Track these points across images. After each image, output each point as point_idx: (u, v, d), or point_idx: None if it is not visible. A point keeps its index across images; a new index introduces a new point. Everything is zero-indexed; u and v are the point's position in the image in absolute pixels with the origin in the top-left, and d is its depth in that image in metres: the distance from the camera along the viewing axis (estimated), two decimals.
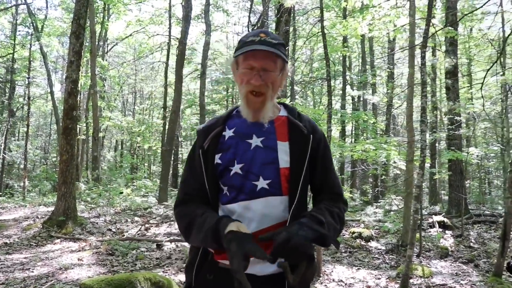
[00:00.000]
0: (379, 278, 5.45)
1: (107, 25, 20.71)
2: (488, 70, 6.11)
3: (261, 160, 1.60)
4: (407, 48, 7.84)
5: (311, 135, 1.66)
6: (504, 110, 18.31)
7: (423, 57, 4.60)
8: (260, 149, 1.62)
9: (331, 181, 1.73)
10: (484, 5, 6.24)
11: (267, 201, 1.57)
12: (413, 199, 4.76)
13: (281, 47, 1.59)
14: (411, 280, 4.72)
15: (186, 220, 1.62)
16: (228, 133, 1.68)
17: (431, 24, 4.89)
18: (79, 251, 6.67)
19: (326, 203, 1.65)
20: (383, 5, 7.77)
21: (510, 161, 4.58)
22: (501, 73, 14.10)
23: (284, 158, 1.61)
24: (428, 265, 6.30)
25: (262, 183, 1.58)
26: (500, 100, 19.94)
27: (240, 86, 1.64)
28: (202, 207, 1.63)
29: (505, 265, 5.12)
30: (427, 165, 11.30)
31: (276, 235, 1.37)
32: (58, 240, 7.38)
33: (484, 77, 7.22)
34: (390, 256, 6.90)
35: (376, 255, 6.96)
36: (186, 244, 7.25)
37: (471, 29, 18.21)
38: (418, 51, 7.81)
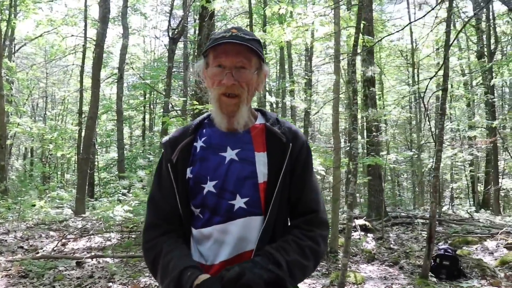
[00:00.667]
0: None
1: (14, 23, 19.25)
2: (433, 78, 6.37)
3: (237, 175, 1.41)
4: (349, 55, 8.00)
5: (291, 144, 1.47)
6: (418, 117, 19.49)
7: (353, 65, 4.67)
8: (235, 163, 1.43)
9: (308, 196, 1.49)
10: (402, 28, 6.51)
11: (246, 222, 1.39)
12: (346, 206, 4.79)
13: (256, 43, 1.44)
14: None
15: (151, 256, 1.43)
16: (199, 143, 1.49)
17: (360, 33, 4.98)
18: None
19: (297, 232, 1.44)
20: (307, 13, 7.86)
21: (433, 167, 4.75)
22: (413, 83, 15.02)
23: (263, 171, 1.42)
24: (358, 270, 6.42)
25: (239, 202, 1.40)
26: (409, 107, 21.27)
27: (211, 90, 1.46)
28: (170, 240, 1.43)
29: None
30: (343, 170, 11.64)
31: (226, 271, 1.24)
32: None
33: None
34: (320, 263, 6.95)
35: None
36: (108, 259, 6.80)
37: (379, 41, 19.27)
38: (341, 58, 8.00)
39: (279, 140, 1.47)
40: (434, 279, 5.80)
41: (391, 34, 5.75)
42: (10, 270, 6.15)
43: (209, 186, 1.42)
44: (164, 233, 1.45)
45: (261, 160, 1.44)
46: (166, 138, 1.57)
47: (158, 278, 1.40)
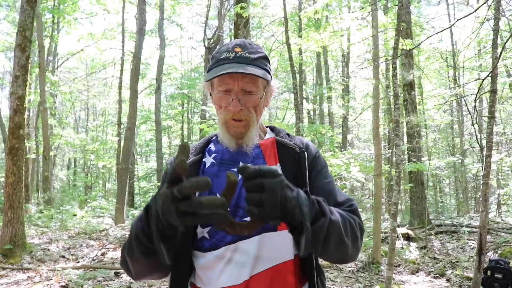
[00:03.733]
0: None
1: (56, 39, 19.90)
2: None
3: None
4: (388, 58, 7.79)
5: (305, 152, 1.39)
6: (460, 121, 18.84)
7: (394, 69, 4.47)
8: None
9: (335, 194, 1.37)
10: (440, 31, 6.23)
11: (261, 240, 1.28)
12: (389, 216, 4.58)
13: (262, 62, 1.35)
14: None
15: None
16: (208, 159, 1.42)
17: (400, 35, 4.79)
18: (28, 284, 6.08)
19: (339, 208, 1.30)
20: (344, 17, 7.70)
21: (482, 173, 4.47)
22: (454, 86, 14.49)
23: None
24: (402, 282, 6.16)
25: None
26: (450, 111, 20.61)
27: (217, 112, 1.39)
28: None
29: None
30: (383, 178, 11.32)
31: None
32: (4, 272, 6.73)
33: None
34: (362, 274, 6.72)
35: (348, 274, 6.76)
36: None
37: (419, 44, 18.79)
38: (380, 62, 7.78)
39: (292, 151, 1.40)
40: None
41: (433, 34, 5.52)
42: (51, 279, 6.23)
43: None
44: None
45: None
46: (171, 158, 1.50)
47: (126, 255, 1.23)
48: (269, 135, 1.48)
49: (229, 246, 1.28)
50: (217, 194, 1.29)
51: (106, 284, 6.07)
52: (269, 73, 1.38)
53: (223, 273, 1.28)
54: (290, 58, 6.74)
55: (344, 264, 1.31)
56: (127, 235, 9.30)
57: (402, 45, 6.23)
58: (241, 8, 6.84)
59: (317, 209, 1.08)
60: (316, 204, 1.09)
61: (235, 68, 1.27)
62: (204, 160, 1.42)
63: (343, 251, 1.19)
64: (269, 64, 1.39)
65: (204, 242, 1.32)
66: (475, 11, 4.66)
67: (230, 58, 1.30)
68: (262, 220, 1.00)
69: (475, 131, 7.35)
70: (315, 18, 7.88)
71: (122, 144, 15.87)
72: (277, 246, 1.30)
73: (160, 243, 1.03)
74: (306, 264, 1.33)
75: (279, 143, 1.42)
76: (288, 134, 1.48)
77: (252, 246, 1.27)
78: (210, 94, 1.40)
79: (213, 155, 1.42)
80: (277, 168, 1.35)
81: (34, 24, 9.74)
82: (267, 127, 1.53)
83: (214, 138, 1.50)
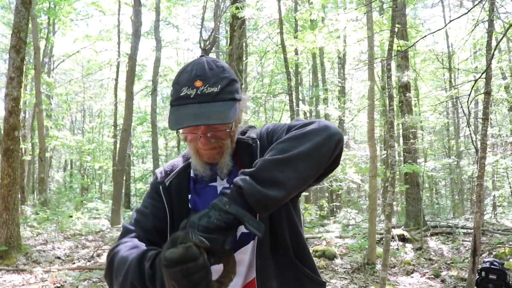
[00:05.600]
0: None
1: (52, 40, 19.86)
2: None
3: None
4: (383, 59, 7.82)
5: (258, 140, 1.33)
6: (456, 123, 18.91)
7: (389, 70, 4.49)
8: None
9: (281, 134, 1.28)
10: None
11: (253, 247, 1.28)
12: (384, 217, 4.59)
13: (227, 90, 1.22)
14: None
15: (109, 257, 1.24)
16: (192, 173, 1.38)
17: (395, 36, 4.81)
18: (23, 285, 6.06)
19: None
20: (339, 18, 7.73)
21: (476, 174, 4.50)
22: (450, 87, 14.54)
23: None
24: (397, 283, 6.17)
25: (240, 229, 1.22)
26: (446, 113, 20.67)
27: (187, 142, 1.30)
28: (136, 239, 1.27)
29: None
30: (379, 179, 11.34)
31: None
32: None
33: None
34: (357, 275, 6.74)
35: (343, 275, 6.78)
36: None
37: (414, 44, 18.86)
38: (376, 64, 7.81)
39: (246, 145, 1.34)
40: None
41: (428, 34, 5.53)
42: (46, 280, 6.22)
43: None
44: (135, 236, 1.29)
45: None
46: (161, 167, 1.46)
47: (113, 276, 1.19)
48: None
49: None
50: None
51: (101, 285, 6.06)
52: (237, 99, 1.26)
53: None
54: (285, 60, 6.76)
55: (334, 149, 1.13)
56: None
57: (397, 46, 6.25)
58: (236, 8, 6.85)
59: (234, 190, 1.06)
60: (232, 187, 1.07)
61: (197, 119, 1.16)
62: (191, 171, 1.37)
63: (302, 160, 1.09)
64: (236, 83, 1.27)
65: None
66: (468, 11, 4.69)
67: (191, 96, 1.18)
68: (218, 252, 1.02)
69: (470, 133, 7.39)
70: (310, 20, 7.90)
71: (118, 145, 15.86)
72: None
73: None
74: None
75: (237, 142, 1.35)
76: (247, 129, 1.40)
77: (245, 255, 1.28)
78: None
79: (192, 171, 1.37)
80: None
81: (30, 25, 9.74)
82: None
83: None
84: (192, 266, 0.92)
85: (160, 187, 1.35)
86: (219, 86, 1.20)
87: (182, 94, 1.20)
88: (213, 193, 1.32)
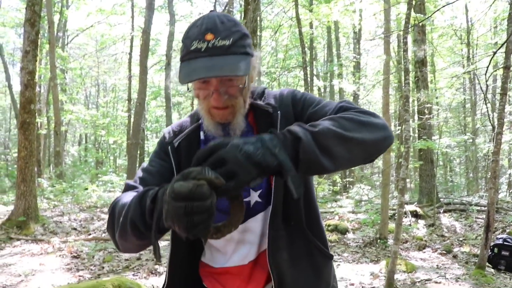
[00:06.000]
0: (362, 275, 5.27)
1: (66, 14, 19.84)
2: None
3: None
4: (400, 31, 7.68)
5: (278, 111, 1.27)
6: (472, 100, 18.61)
7: (405, 43, 4.41)
8: None
9: (325, 110, 1.22)
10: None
11: (265, 216, 1.25)
12: (397, 192, 4.59)
13: (239, 44, 1.17)
14: (395, 276, 4.55)
15: (111, 207, 1.20)
16: (201, 135, 1.33)
17: (412, 9, 4.70)
18: (41, 254, 6.22)
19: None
20: None
21: (491, 151, 4.44)
22: (467, 63, 14.26)
23: None
24: (408, 258, 6.19)
25: (254, 197, 1.25)
26: (463, 89, 20.35)
27: (198, 101, 1.25)
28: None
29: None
30: (392, 154, 11.23)
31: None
32: (18, 243, 6.89)
33: None
34: (369, 249, 6.77)
35: (355, 249, 6.81)
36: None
37: (432, 20, 18.44)
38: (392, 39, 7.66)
39: (266, 113, 1.28)
40: (492, 270, 5.49)
41: (445, 5, 5.38)
42: (63, 250, 6.37)
43: None
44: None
45: None
46: (169, 127, 1.41)
47: (115, 225, 1.14)
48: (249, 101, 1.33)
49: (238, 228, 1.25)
50: None
51: (116, 255, 6.19)
52: (249, 53, 1.20)
53: (235, 253, 1.28)
54: (300, 33, 6.67)
55: (384, 149, 1.12)
56: None
57: (414, 19, 6.11)
58: None
59: (290, 138, 0.97)
60: (288, 134, 0.98)
61: (209, 71, 1.11)
62: (201, 132, 1.33)
63: (361, 148, 1.06)
64: (248, 39, 1.22)
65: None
66: None
67: (202, 50, 1.13)
68: (239, 189, 0.92)
69: (487, 109, 7.26)
70: None
71: (132, 119, 15.96)
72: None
73: (156, 242, 0.98)
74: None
75: (253, 106, 1.30)
76: (263, 92, 1.35)
77: (258, 223, 1.26)
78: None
79: (202, 133, 1.33)
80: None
81: None
82: None
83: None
84: (197, 206, 0.85)
85: (169, 147, 1.31)
86: (231, 39, 1.15)
87: (192, 48, 1.15)
88: None
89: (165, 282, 1.34)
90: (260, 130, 1.26)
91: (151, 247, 1.04)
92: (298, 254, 1.27)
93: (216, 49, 1.13)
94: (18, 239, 7.10)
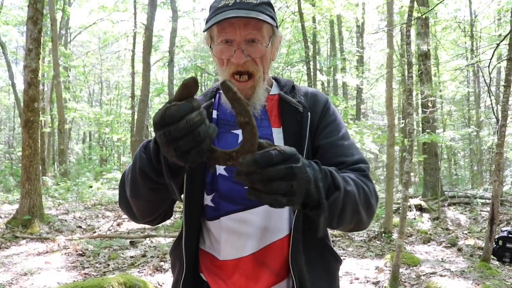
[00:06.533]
0: (367, 269, 5.27)
1: (68, 12, 19.85)
2: None
3: None
4: (402, 23, 7.65)
5: (309, 112, 1.26)
6: (476, 92, 18.53)
7: (408, 36, 4.38)
8: None
9: (347, 152, 1.22)
10: None
11: (268, 210, 1.20)
12: (401, 186, 4.57)
13: (266, 7, 1.20)
14: (400, 270, 4.55)
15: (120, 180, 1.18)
16: (214, 114, 1.30)
17: (414, 2, 4.67)
18: (47, 252, 6.25)
19: (350, 173, 1.16)
20: None
21: (496, 143, 4.42)
22: (471, 55, 14.18)
23: None
24: (413, 251, 6.19)
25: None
26: (467, 82, 20.25)
27: (220, 69, 1.23)
28: None
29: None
30: (397, 147, 11.19)
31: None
32: (24, 241, 6.92)
33: None
34: (374, 243, 6.77)
35: (360, 243, 6.81)
36: (161, 239, 6.92)
37: (436, 13, 18.35)
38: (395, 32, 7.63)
39: (295, 110, 1.26)
40: (497, 263, 5.48)
41: None
42: (68, 248, 6.39)
43: (220, 169, 1.23)
44: None
45: (278, 137, 1.23)
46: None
47: (126, 187, 1.12)
48: (275, 90, 1.33)
49: (232, 216, 1.22)
50: None
51: (122, 253, 6.21)
52: (275, 20, 1.23)
53: (227, 244, 1.23)
54: (303, 27, 6.65)
55: (355, 232, 1.21)
56: None
57: (417, 12, 6.08)
58: None
59: (330, 181, 0.96)
60: (329, 176, 0.97)
61: (235, 13, 1.13)
62: (213, 110, 1.30)
63: (356, 221, 1.10)
64: (274, 11, 1.25)
65: (208, 210, 1.25)
66: None
67: (230, 4, 1.16)
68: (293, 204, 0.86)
69: (490, 101, 7.23)
70: None
71: (135, 117, 15.98)
72: (285, 216, 1.23)
73: (171, 180, 0.94)
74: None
75: (282, 100, 1.29)
76: (293, 87, 1.34)
77: (258, 217, 1.20)
78: (210, 47, 1.25)
79: (215, 112, 1.30)
80: (280, 132, 1.24)
81: None
82: (272, 78, 1.38)
83: (220, 92, 1.35)
84: (173, 130, 0.79)
85: None
86: (258, 0, 1.18)
87: (219, 6, 1.18)
88: (234, 141, 1.24)
89: (181, 233, 1.29)
90: (285, 125, 1.25)
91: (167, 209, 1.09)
92: (314, 258, 1.25)
93: (244, 4, 1.16)
94: (24, 238, 7.13)
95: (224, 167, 1.22)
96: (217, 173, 1.23)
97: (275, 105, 1.29)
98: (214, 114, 1.30)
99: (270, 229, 1.21)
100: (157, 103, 26.67)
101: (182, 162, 0.83)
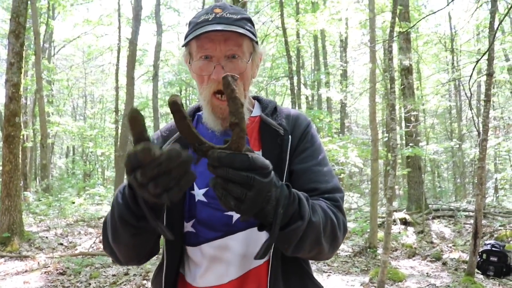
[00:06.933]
0: (352, 286, 5.25)
1: (52, 25, 19.72)
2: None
3: None
4: (384, 40, 7.73)
5: (290, 135, 1.22)
6: (458, 106, 18.80)
7: (390, 52, 4.43)
8: None
9: (321, 179, 1.19)
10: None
11: (247, 236, 1.17)
12: (385, 200, 4.58)
13: (246, 23, 1.18)
14: (385, 286, 4.53)
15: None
16: None
17: (396, 18, 4.73)
18: (26, 271, 6.10)
19: (322, 202, 1.14)
20: (341, 0, 7.64)
21: (477, 157, 4.46)
22: (452, 70, 14.42)
23: None
24: (398, 266, 6.19)
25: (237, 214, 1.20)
26: (448, 96, 20.57)
27: (199, 88, 1.21)
28: None
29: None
30: (381, 161, 11.27)
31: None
32: (2, 260, 6.75)
33: None
34: (359, 258, 6.76)
35: (345, 259, 6.80)
36: None
37: (417, 28, 18.67)
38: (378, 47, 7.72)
39: (276, 133, 1.23)
40: (481, 276, 5.51)
41: (429, 14, 5.46)
42: (49, 267, 6.25)
43: (198, 195, 1.20)
44: None
45: None
46: (157, 131, 1.37)
47: (108, 233, 1.09)
48: (256, 111, 1.31)
49: (213, 243, 1.19)
50: (194, 185, 1.19)
51: (104, 271, 6.09)
52: (255, 36, 1.20)
53: (208, 271, 1.20)
54: (286, 43, 6.69)
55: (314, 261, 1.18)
56: None
57: (399, 27, 6.17)
58: None
59: (296, 209, 0.95)
60: (296, 204, 0.95)
61: (215, 27, 1.11)
62: None
63: (317, 252, 1.08)
64: (254, 27, 1.23)
65: (190, 236, 1.22)
66: None
67: (209, 19, 1.13)
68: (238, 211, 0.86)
69: (472, 115, 7.33)
70: (312, 2, 7.79)
71: (119, 131, 15.85)
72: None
73: (157, 221, 0.91)
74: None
75: (263, 122, 1.26)
76: (275, 108, 1.31)
77: (238, 243, 1.18)
78: (189, 63, 1.22)
79: None
80: (260, 154, 1.17)
81: (29, 10, 9.64)
82: (254, 98, 1.36)
83: (199, 114, 1.32)
84: (142, 173, 0.80)
85: None
86: (239, 16, 1.17)
87: (199, 21, 1.16)
88: None
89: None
90: (265, 148, 1.22)
91: (148, 249, 1.07)
92: (293, 286, 1.21)
93: (223, 18, 1.14)
94: (2, 256, 6.95)
95: (203, 192, 1.20)
96: (196, 200, 1.21)
97: (256, 128, 1.27)
98: None
99: (249, 256, 1.17)
100: None
101: (163, 201, 0.82)
